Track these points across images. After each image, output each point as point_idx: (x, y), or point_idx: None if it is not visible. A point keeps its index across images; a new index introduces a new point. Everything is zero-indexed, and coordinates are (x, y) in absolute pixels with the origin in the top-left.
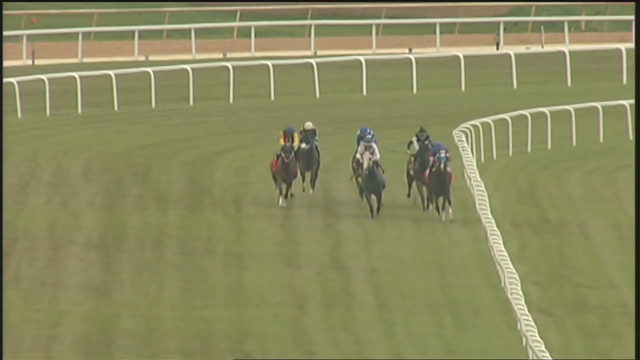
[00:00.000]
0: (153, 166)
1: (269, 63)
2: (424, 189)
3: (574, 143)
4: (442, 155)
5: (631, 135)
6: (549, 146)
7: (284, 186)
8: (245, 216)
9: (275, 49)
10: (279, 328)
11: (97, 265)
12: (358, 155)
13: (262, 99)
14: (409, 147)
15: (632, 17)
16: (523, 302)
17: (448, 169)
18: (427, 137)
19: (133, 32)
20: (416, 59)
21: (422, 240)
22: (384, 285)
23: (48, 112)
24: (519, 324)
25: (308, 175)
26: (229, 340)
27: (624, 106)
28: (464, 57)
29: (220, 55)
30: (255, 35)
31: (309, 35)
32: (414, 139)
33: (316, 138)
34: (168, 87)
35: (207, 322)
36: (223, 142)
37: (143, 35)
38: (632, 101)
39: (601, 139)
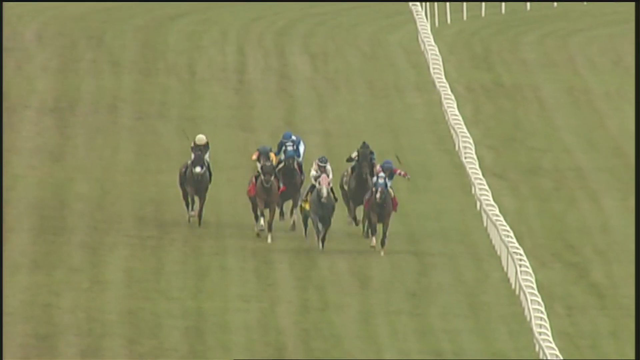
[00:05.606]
0: (107, 30)
1: None
2: (361, 209)
3: (528, 7)
4: (381, 181)
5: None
6: (503, 10)
7: (266, 211)
8: (199, 80)
9: None
10: (232, 192)
11: (51, 130)
12: (314, 182)
13: None
14: (347, 162)
15: None
16: (477, 166)
17: (391, 192)
18: (370, 153)
19: None
20: None
21: (376, 104)
22: (337, 148)
23: None
24: (473, 188)
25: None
26: (182, 203)
27: None
28: None
29: None
30: None
31: None
32: (354, 154)
33: (208, 154)
34: None
35: (161, 186)
36: (177, 6)
37: None
38: None
39: (555, 3)
